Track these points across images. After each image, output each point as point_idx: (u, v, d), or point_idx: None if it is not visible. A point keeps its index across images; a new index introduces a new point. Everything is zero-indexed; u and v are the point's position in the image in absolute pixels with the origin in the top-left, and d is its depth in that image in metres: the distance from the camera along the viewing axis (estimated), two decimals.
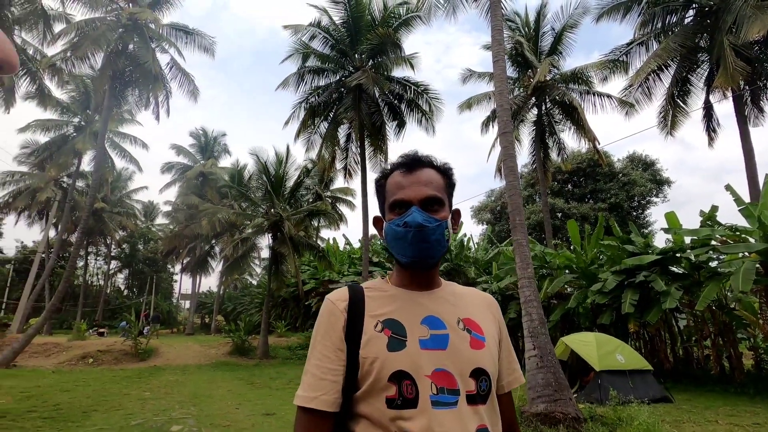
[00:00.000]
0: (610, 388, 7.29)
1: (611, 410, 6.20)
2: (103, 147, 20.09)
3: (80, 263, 36.22)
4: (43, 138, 24.37)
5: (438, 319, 0.93)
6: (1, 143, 64.12)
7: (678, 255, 10.20)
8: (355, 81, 14.26)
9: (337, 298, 0.96)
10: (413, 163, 0.99)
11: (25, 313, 21.48)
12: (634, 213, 28.62)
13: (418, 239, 0.92)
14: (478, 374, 0.90)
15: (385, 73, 16.24)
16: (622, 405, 6.49)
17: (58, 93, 21.80)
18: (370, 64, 16.04)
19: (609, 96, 16.01)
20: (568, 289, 13.05)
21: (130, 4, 16.29)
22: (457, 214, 1.04)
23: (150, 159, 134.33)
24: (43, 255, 26.59)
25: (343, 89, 16.22)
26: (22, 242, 39.81)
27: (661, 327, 11.32)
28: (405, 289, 0.98)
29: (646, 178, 28.21)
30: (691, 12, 13.90)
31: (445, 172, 1.01)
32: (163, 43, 17.54)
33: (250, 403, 8.16)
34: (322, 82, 16.62)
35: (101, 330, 25.89)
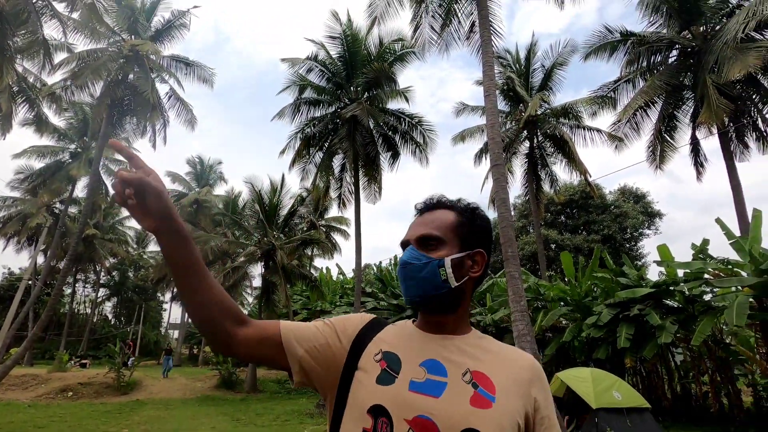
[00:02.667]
0: (607, 427, 7.06)
1: None
2: (98, 173, 20.10)
3: (67, 291, 35.47)
4: (38, 164, 24.40)
5: (441, 364, 0.86)
6: None
7: (672, 288, 10.16)
8: (350, 112, 14.52)
9: (366, 316, 0.98)
10: (425, 205, 1.01)
11: (5, 343, 20.70)
12: (627, 245, 28.74)
13: (404, 276, 0.92)
14: None
15: (380, 105, 16.59)
16: None
17: (56, 120, 22.03)
18: (365, 96, 16.40)
19: (599, 130, 16.41)
20: (563, 322, 12.87)
21: (133, 36, 16.71)
22: (479, 256, 0.95)
23: None
24: (30, 282, 26.01)
25: (338, 120, 16.50)
26: (9, 268, 39.09)
27: (658, 362, 11.12)
28: (422, 331, 0.94)
29: (637, 211, 28.52)
30: (674, 52, 14.47)
31: (464, 213, 0.98)
32: (163, 74, 17.90)
33: None
34: (317, 113, 16.92)
35: (84, 361, 25.01)
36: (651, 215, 29.37)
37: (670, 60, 14.57)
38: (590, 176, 16.94)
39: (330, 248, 26.45)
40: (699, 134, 14.40)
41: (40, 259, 28.48)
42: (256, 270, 19.21)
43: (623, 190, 30.78)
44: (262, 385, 17.25)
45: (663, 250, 10.40)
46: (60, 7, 13.09)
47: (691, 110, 14.47)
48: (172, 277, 0.81)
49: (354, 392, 0.85)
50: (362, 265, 16.70)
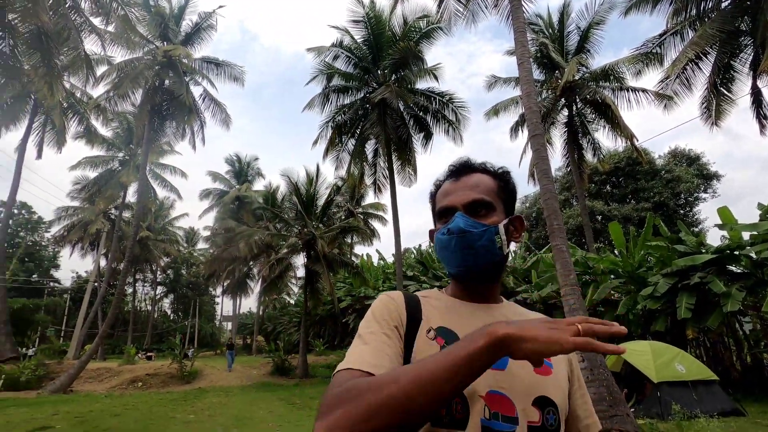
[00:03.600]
0: (672, 401, 6.72)
1: (675, 426, 5.69)
2: (145, 178, 21.21)
3: (129, 290, 38.05)
4: (92, 173, 26.07)
5: None
6: (54, 182, 68.95)
7: (737, 252, 9.43)
8: (379, 96, 14.36)
9: (395, 294, 0.90)
10: (461, 168, 0.94)
11: (80, 340, 22.66)
12: (681, 211, 26.98)
13: (461, 246, 0.85)
14: (544, 404, 0.77)
15: (409, 86, 16.30)
16: (687, 420, 5.95)
17: (104, 130, 23.35)
18: (393, 78, 16.15)
19: (644, 90, 15.32)
20: (616, 295, 12.33)
21: (165, 42, 17.29)
22: (518, 222, 0.92)
23: (189, 186, 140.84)
24: (95, 284, 28.10)
25: (367, 105, 16.39)
26: (77, 272, 42.39)
27: (724, 332, 10.45)
28: (461, 300, 0.89)
29: (691, 174, 26.61)
30: None
31: (500, 176, 0.94)
32: (195, 76, 18.47)
33: (290, 424, 8.10)
34: (346, 100, 16.87)
35: (149, 354, 26.87)
36: (707, 177, 27.33)
37: (723, 5, 13.26)
38: (637, 140, 15.93)
39: (369, 235, 26.67)
40: (761, 83, 13.09)
41: (103, 263, 30.64)
42: (299, 260, 19.70)
43: (674, 153, 28.79)
44: (313, 371, 17.83)
45: (724, 212, 9.65)
46: (96, 22, 13.70)
47: (750, 58, 13.14)
48: (436, 384, 0.58)
49: None
50: (402, 249, 16.70)
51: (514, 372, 0.78)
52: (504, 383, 0.77)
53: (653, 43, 14.15)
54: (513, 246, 0.92)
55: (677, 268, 9.72)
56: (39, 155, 21.77)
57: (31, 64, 12.30)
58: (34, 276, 39.11)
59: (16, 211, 37.33)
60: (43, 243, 41.38)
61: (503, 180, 0.93)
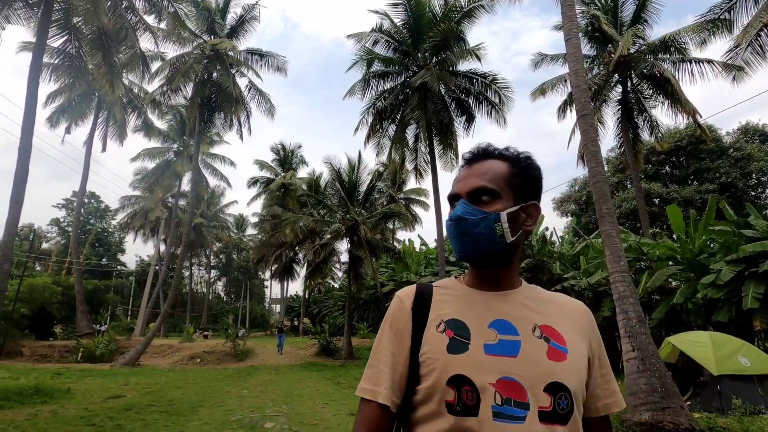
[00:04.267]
0: (733, 395, 6.31)
1: (736, 421, 5.37)
2: (198, 168, 22.35)
3: (186, 273, 40.63)
4: (150, 164, 27.87)
5: (509, 323, 0.85)
6: (118, 172, 74.33)
7: None
8: (420, 80, 14.17)
9: (405, 294, 0.94)
10: (475, 155, 0.94)
11: (144, 319, 24.61)
12: (753, 193, 24.72)
13: (458, 232, 0.87)
14: (556, 389, 0.79)
15: (450, 68, 15.94)
16: (750, 416, 5.58)
17: (159, 123, 24.79)
18: (434, 61, 15.85)
19: (710, 61, 14.05)
20: (673, 283, 11.62)
21: (212, 36, 17.94)
22: (533, 208, 0.92)
23: (238, 175, 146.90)
24: (156, 267, 30.27)
25: (408, 90, 16.22)
26: (140, 257, 45.79)
27: None
28: (476, 290, 0.91)
29: (765, 152, 24.21)
30: None
31: (516, 162, 0.92)
32: (241, 68, 19.06)
33: (336, 402, 8.43)
34: (387, 86, 16.78)
35: (206, 333, 28.73)
36: None
37: None
38: (701, 117, 14.70)
39: (411, 220, 26.68)
40: None
41: (162, 247, 32.90)
42: (343, 246, 20.13)
43: (745, 129, 26.26)
44: (357, 353, 18.34)
45: None
46: (149, 20, 14.42)
47: None
48: None
49: (426, 372, 0.82)
50: (444, 234, 16.60)
51: (527, 358, 0.80)
52: (516, 369, 0.79)
53: (721, 9, 12.86)
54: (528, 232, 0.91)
55: (744, 255, 8.98)
56: (104, 148, 23.58)
57: (94, 64, 13.22)
58: (103, 260, 42.73)
59: (86, 201, 40.74)
60: (110, 229, 45.00)
61: (519, 166, 0.92)
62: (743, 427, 5.12)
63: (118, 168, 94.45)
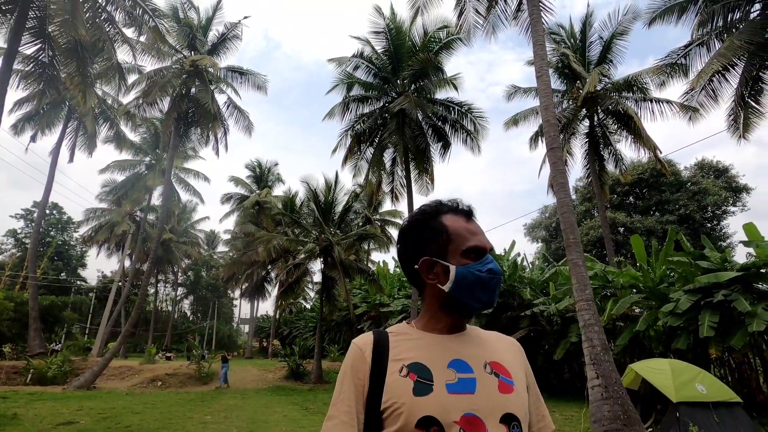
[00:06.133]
0: (690, 422, 6.54)
1: None
2: (170, 182, 21.84)
3: (151, 290, 39.04)
4: (119, 177, 27.07)
5: (464, 362, 0.92)
6: (84, 184, 71.45)
7: (763, 270, 9.13)
8: (398, 106, 14.52)
9: (363, 342, 0.96)
10: (472, 212, 1.02)
11: (104, 338, 23.39)
12: (708, 225, 26.16)
13: (497, 285, 0.96)
14: (510, 420, 0.87)
15: (428, 95, 16.43)
16: None
17: (132, 136, 24.24)
18: (412, 88, 16.32)
19: (669, 102, 15.06)
20: (636, 311, 12.05)
21: (192, 52, 17.90)
22: None
23: (211, 191, 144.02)
24: (120, 283, 29.01)
25: (386, 115, 16.57)
26: (102, 272, 43.79)
27: (750, 353, 10.09)
28: (431, 333, 0.97)
29: (719, 186, 25.81)
30: (756, 6, 12.84)
31: None
32: (220, 85, 19.05)
33: (304, 429, 8.21)
34: (366, 110, 17.10)
35: (168, 354, 27.49)
36: (736, 190, 26.46)
37: (752, 15, 12.95)
38: (660, 152, 15.62)
39: (386, 242, 26.71)
40: None
41: (127, 263, 31.61)
42: (316, 266, 19.93)
43: (701, 165, 28.00)
44: (327, 376, 17.94)
45: (750, 228, 9.38)
46: (129, 33, 14.31)
47: None
48: None
49: (391, 418, 0.85)
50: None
51: (483, 394, 0.87)
52: (475, 405, 0.85)
53: (678, 54, 13.90)
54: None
55: (700, 285, 9.45)
56: (71, 158, 22.77)
57: (67, 73, 12.92)
58: (62, 274, 40.59)
59: (48, 212, 38.94)
60: (72, 243, 42.97)
61: None
62: None
63: (85, 179, 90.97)
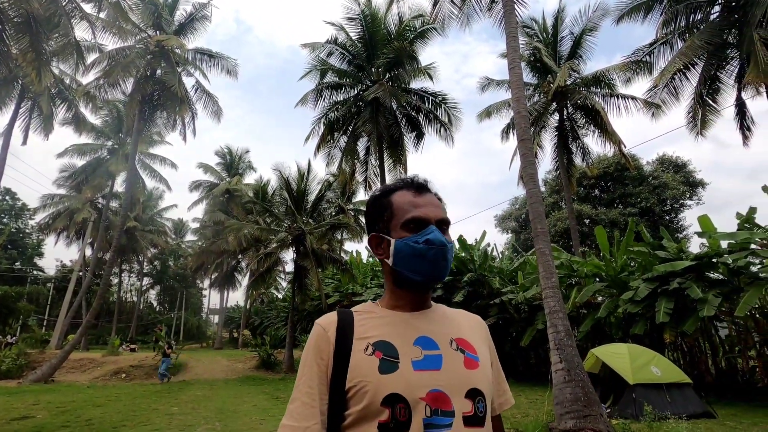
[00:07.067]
0: (645, 402, 6.92)
1: (646, 426, 5.89)
2: (134, 168, 20.98)
3: (114, 280, 37.63)
4: (79, 162, 25.70)
5: (430, 339, 0.91)
6: (41, 169, 67.61)
7: (714, 260, 9.69)
8: (372, 95, 14.41)
9: (326, 322, 0.94)
10: (423, 185, 1.01)
11: (63, 330, 22.38)
12: (667, 217, 27.51)
13: (439, 257, 0.92)
14: (474, 395, 0.88)
15: (403, 85, 16.37)
16: (658, 421, 6.15)
17: (93, 118, 23.00)
18: (387, 77, 16.20)
19: (633, 98, 15.59)
20: (599, 298, 12.58)
21: (158, 32, 17.09)
22: None
23: (179, 178, 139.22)
24: (80, 273, 27.76)
25: (361, 103, 16.42)
26: (61, 261, 41.74)
27: (700, 337, 10.74)
28: (396, 311, 0.96)
29: (678, 181, 27.14)
30: (716, 8, 13.41)
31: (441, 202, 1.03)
32: (188, 67, 18.30)
33: (274, 418, 8.16)
34: (340, 97, 16.88)
35: (133, 346, 26.66)
36: (693, 185, 27.89)
37: (712, 17, 13.52)
38: (625, 147, 16.22)
39: (359, 232, 26.65)
40: (745, 95, 13.42)
41: (88, 252, 30.28)
42: (288, 255, 19.72)
43: (662, 160, 29.31)
44: (298, 365, 17.87)
45: (704, 220, 9.91)
46: (88, 8, 13.50)
47: (736, 70, 13.46)
48: None
49: (357, 397, 0.84)
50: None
51: (449, 370, 0.88)
52: (441, 381, 0.85)
53: (643, 52, 14.40)
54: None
55: (657, 274, 9.95)
56: (24, 141, 21.36)
57: (19, 49, 12.07)
58: (17, 264, 38.48)
59: (0, 197, 36.72)
60: (27, 230, 40.74)
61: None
62: (652, 431, 5.63)
63: (41, 164, 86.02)
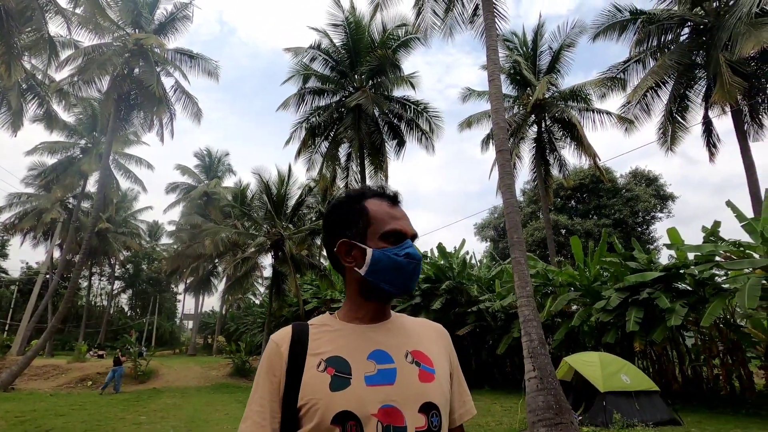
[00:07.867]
0: (614, 410, 7.07)
1: None
2: (108, 168, 20.40)
3: (84, 284, 36.29)
4: (50, 160, 24.78)
5: (385, 352, 0.90)
6: (8, 166, 64.95)
7: (682, 271, 10.03)
8: (355, 101, 14.45)
9: (280, 337, 0.93)
10: (397, 197, 1.01)
11: (26, 335, 21.42)
12: (639, 229, 28.40)
13: (416, 271, 0.94)
14: (428, 409, 0.86)
15: (385, 92, 16.48)
16: (626, 428, 6.29)
17: (66, 116, 22.29)
18: (369, 84, 16.28)
19: (608, 113, 16.11)
20: (573, 307, 12.83)
21: (137, 30, 16.74)
22: None
23: (155, 179, 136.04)
24: (47, 276, 26.69)
25: (343, 109, 16.44)
26: (27, 263, 40.05)
27: (668, 346, 11.06)
28: (353, 323, 0.95)
29: (649, 194, 28.09)
30: (686, 30, 14.06)
31: None
32: (168, 67, 17.96)
33: None
34: (322, 103, 16.87)
35: (101, 352, 25.69)
36: (663, 198, 28.92)
37: (682, 38, 14.17)
38: (599, 160, 16.69)
39: None
40: (712, 114, 14.08)
41: (56, 254, 29.15)
42: (267, 260, 19.43)
43: (635, 173, 30.30)
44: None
45: (672, 233, 10.26)
46: (63, 3, 13.14)
47: (704, 89, 14.11)
48: None
49: (308, 415, 0.82)
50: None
51: (402, 384, 0.86)
52: (394, 396, 0.84)
53: (618, 69, 14.94)
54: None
55: (629, 284, 10.24)
56: None
57: None
58: None
59: None
60: None
61: None
62: None
63: (8, 161, 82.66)
